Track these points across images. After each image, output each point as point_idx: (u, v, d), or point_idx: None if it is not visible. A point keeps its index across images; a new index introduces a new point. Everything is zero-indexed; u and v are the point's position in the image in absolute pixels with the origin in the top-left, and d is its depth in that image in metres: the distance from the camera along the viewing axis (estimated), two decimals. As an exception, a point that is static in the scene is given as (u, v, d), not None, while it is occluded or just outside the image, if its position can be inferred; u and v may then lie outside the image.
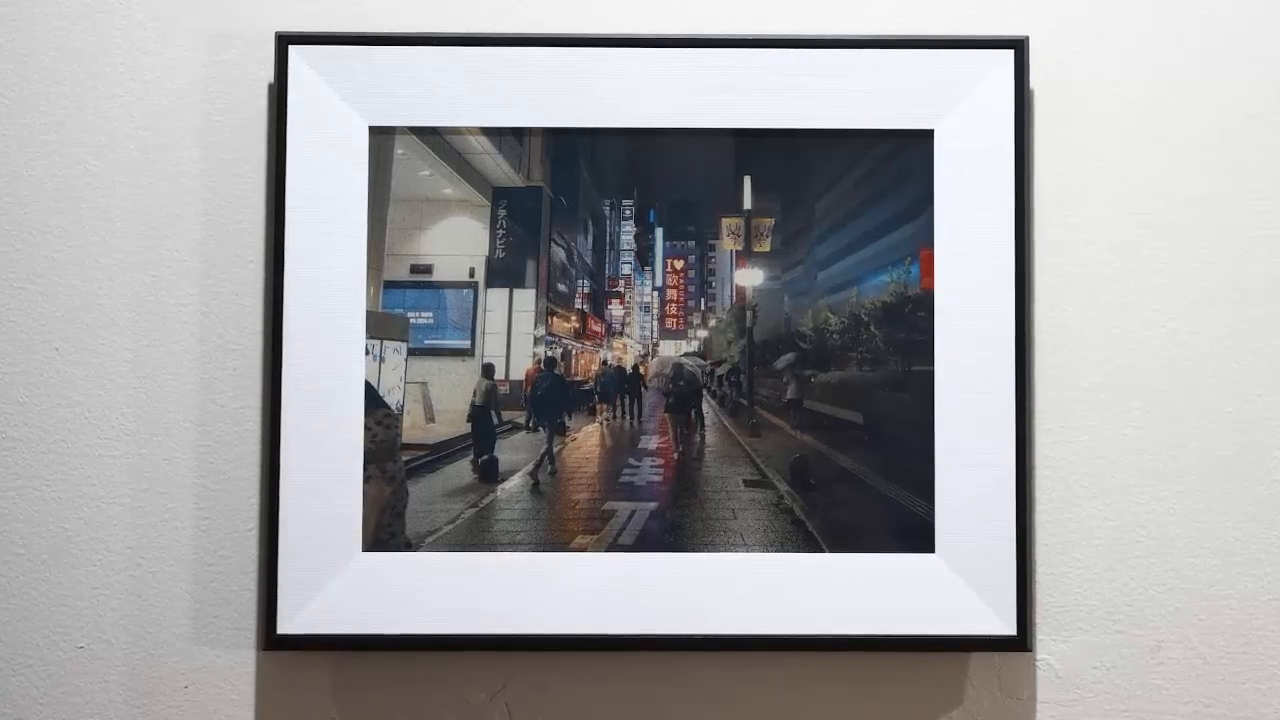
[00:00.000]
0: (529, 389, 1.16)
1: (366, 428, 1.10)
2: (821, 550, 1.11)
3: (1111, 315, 1.14)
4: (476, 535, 1.12)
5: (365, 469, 1.10)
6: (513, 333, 1.15)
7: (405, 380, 1.13)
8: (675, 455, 1.16)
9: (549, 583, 1.10)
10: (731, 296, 1.19)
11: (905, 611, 1.09)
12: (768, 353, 1.16)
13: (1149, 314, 1.14)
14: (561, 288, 1.19)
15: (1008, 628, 1.08)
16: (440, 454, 1.14)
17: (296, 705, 1.14)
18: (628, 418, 1.18)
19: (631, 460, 1.15)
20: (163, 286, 1.14)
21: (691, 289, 1.22)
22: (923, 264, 1.11)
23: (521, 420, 1.16)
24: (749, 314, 1.16)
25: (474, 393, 1.15)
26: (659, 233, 1.20)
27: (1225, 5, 1.15)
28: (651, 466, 1.15)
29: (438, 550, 1.11)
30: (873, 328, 1.13)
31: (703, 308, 1.21)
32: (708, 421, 1.17)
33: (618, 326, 1.21)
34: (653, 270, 1.22)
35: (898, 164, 1.12)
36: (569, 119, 1.12)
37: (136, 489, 1.14)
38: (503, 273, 1.16)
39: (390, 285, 1.13)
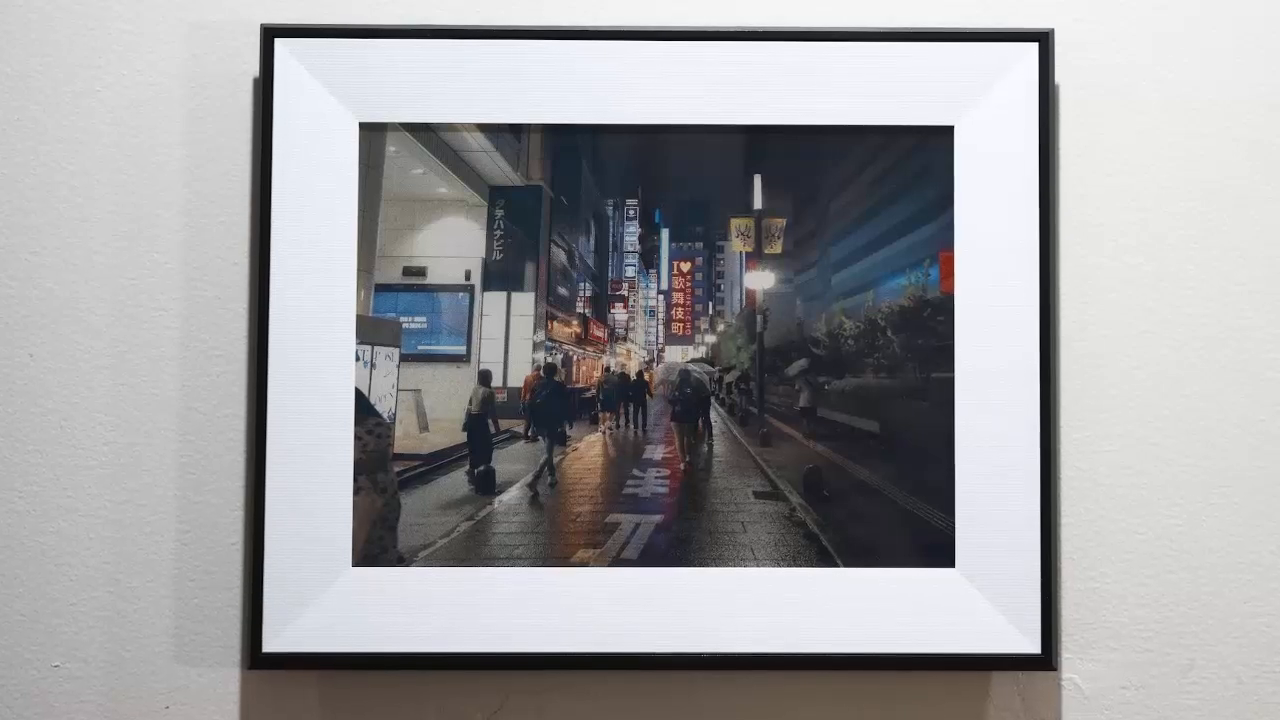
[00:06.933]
0: (528, 397, 1.14)
1: (357, 437, 1.09)
2: (836, 565, 1.10)
3: (1140, 319, 1.13)
4: (473, 549, 1.10)
5: (355, 480, 1.09)
6: (511, 338, 1.14)
7: (397, 388, 1.12)
8: (682, 466, 1.15)
9: (548, 599, 1.09)
10: (741, 300, 1.17)
11: (923, 628, 1.08)
12: (779, 359, 1.15)
13: (1180, 317, 1.13)
14: (562, 291, 1.17)
15: (1031, 645, 1.07)
16: (434, 464, 1.13)
17: (283, 728, 1.13)
18: (632, 427, 1.17)
19: (636, 471, 1.14)
20: (143, 290, 1.13)
21: (699, 292, 1.21)
22: (942, 266, 1.10)
23: (520, 429, 1.15)
24: (760, 318, 1.15)
25: (470, 401, 1.13)
26: (665, 234, 1.19)
27: (1258, -4, 1.15)
28: (657, 478, 1.14)
29: (431, 565, 1.09)
30: (890, 333, 1.11)
31: (711, 312, 1.20)
32: (716, 430, 1.17)
33: (621, 331, 1.21)
34: (658, 273, 1.21)
35: (916, 162, 1.10)
36: (570, 115, 1.10)
37: (116, 501, 1.12)
38: (500, 275, 1.14)
39: (382, 288, 1.12)
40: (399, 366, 1.12)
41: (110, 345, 1.12)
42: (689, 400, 1.17)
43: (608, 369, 1.18)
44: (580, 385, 1.17)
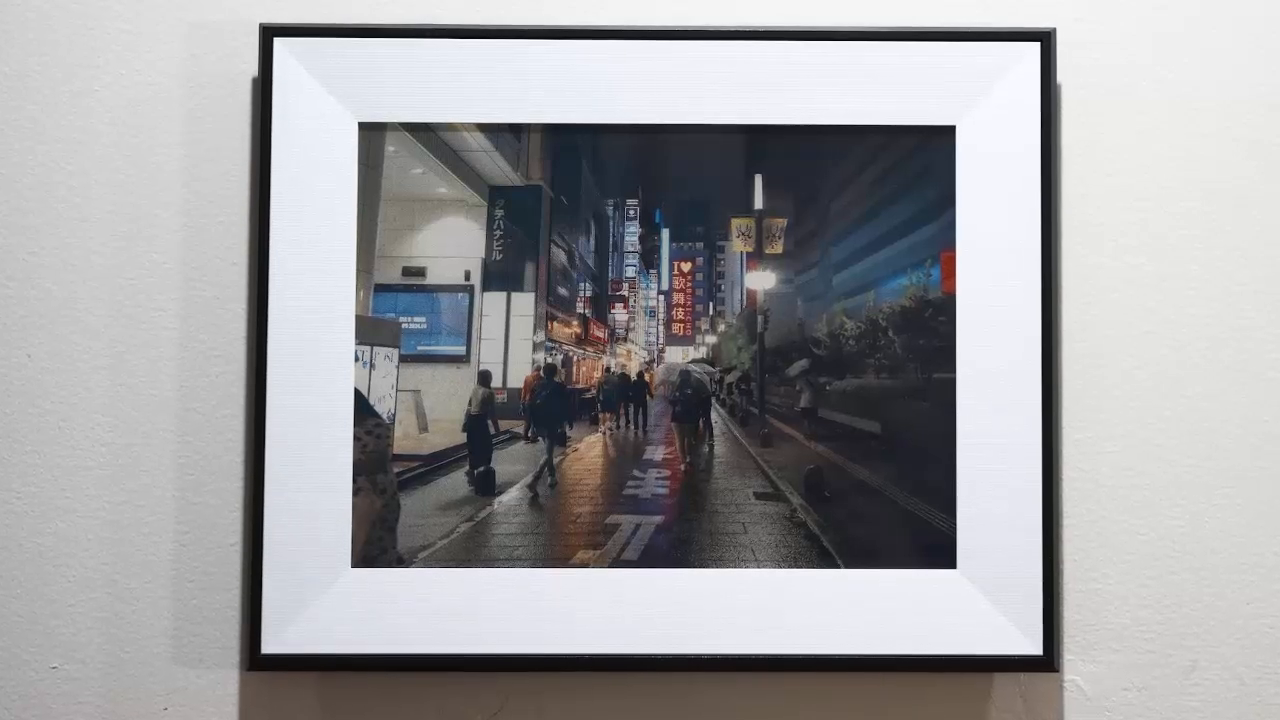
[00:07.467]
0: (528, 397, 1.14)
1: (356, 438, 1.08)
2: (837, 566, 1.09)
3: (1142, 319, 1.12)
4: (472, 551, 1.09)
5: (355, 481, 1.08)
6: (510, 338, 1.13)
7: (397, 388, 1.11)
8: (682, 467, 1.14)
9: (548, 600, 1.08)
10: (742, 300, 1.17)
11: (925, 630, 1.07)
12: (780, 359, 1.14)
13: (1181, 317, 1.12)
14: (562, 291, 1.17)
15: (1033, 647, 1.06)
16: (434, 465, 1.12)
17: (282, 730, 1.12)
18: (632, 427, 1.16)
19: (636, 472, 1.14)
20: (141, 290, 1.12)
21: (699, 292, 1.20)
22: (944, 266, 1.09)
23: (520, 430, 1.14)
24: (760, 319, 1.15)
25: (470, 401, 1.13)
26: (665, 234, 1.19)
27: (1261, -6, 1.14)
28: (657, 478, 1.13)
29: (431, 566, 1.09)
30: (891, 333, 1.11)
31: (711, 312, 1.20)
32: (717, 431, 1.16)
33: (621, 332, 1.20)
34: (658, 273, 1.21)
35: (917, 162, 1.10)
36: (570, 115, 1.10)
37: (114, 502, 1.12)
38: (500, 275, 1.14)
39: (381, 289, 1.11)
40: (398, 367, 1.11)
41: (108, 346, 1.11)
42: (689, 401, 1.16)
43: (608, 369, 1.18)
44: (580, 386, 1.16)
